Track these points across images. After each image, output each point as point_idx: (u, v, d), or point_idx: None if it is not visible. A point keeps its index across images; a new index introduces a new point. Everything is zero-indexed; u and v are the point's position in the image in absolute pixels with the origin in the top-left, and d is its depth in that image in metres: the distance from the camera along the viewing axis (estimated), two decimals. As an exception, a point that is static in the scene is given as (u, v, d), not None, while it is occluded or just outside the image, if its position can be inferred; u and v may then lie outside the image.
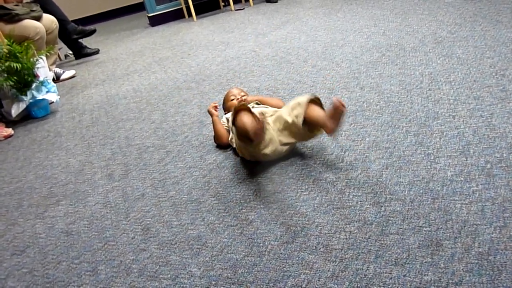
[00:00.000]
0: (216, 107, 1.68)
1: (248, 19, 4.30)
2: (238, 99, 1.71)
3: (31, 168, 1.87)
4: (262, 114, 1.50)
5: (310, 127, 1.38)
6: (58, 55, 4.03)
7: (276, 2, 4.96)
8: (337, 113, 1.24)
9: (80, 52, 4.11)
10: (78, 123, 2.30)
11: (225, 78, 2.52)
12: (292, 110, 1.38)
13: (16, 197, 1.64)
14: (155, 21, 5.17)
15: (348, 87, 2.01)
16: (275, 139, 1.41)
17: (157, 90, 2.57)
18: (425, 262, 0.92)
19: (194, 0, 5.08)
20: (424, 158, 1.31)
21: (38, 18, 3.24)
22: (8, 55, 2.34)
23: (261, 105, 1.65)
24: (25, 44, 2.50)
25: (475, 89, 1.70)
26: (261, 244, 1.09)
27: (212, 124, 1.67)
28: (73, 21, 4.24)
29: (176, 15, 5.24)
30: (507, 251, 0.91)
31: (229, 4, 5.10)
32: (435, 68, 2.00)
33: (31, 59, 2.43)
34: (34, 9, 3.26)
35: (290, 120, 1.37)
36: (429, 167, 1.26)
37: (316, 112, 1.34)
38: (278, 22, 3.81)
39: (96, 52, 4.17)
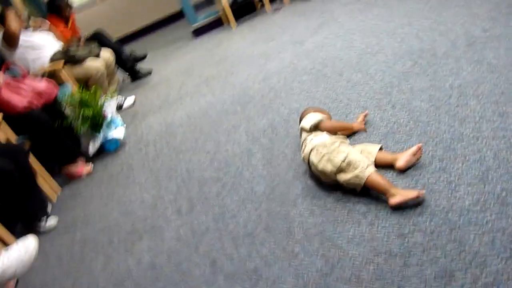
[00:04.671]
0: None
1: (285, 22, 4.45)
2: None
3: (114, 204, 2.25)
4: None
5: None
6: (118, 80, 4.47)
7: (311, -2, 5.03)
8: (415, 157, 1.58)
9: (136, 75, 4.53)
10: (145, 156, 2.67)
11: (268, 98, 2.75)
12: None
13: (107, 233, 2.02)
14: (198, 32, 5.48)
15: (380, 105, 2.16)
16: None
17: (208, 116, 2.87)
18: (439, 292, 1.13)
19: (231, 6, 5.31)
20: (446, 186, 1.47)
21: (97, 55, 3.65)
22: (80, 103, 2.74)
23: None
24: (93, 87, 2.90)
25: (501, 104, 1.79)
26: (305, 276, 1.34)
27: None
28: (121, 38, 4.70)
29: (216, 24, 5.51)
30: (509, 281, 1.09)
31: (264, 5, 5.27)
32: (465, 78, 2.09)
33: (99, 103, 2.82)
34: (93, 47, 3.67)
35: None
36: (449, 196, 1.43)
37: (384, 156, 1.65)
38: (314, 25, 3.93)
39: (149, 72, 4.56)
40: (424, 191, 1.40)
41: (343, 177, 1.57)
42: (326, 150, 1.65)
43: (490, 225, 1.26)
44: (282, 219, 1.63)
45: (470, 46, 2.37)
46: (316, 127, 1.83)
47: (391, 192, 1.44)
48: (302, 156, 1.81)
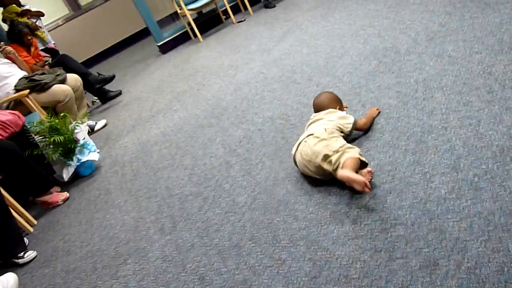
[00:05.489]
0: None
1: (251, 32, 4.50)
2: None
3: (94, 230, 2.20)
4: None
5: None
6: (87, 104, 4.40)
7: (274, 7, 5.12)
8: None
9: (105, 97, 4.46)
10: (122, 177, 2.62)
11: (240, 109, 2.76)
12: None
13: (90, 260, 1.97)
14: (165, 48, 5.46)
15: (351, 105, 2.21)
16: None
17: (183, 131, 2.86)
18: (425, 282, 1.16)
19: (196, 20, 5.33)
20: (422, 178, 1.52)
21: (63, 81, 3.59)
22: (50, 130, 2.68)
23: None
24: (62, 115, 2.84)
25: (465, 93, 1.87)
26: (295, 281, 1.35)
27: None
28: (87, 60, 4.72)
29: (183, 38, 5.51)
30: (490, 263, 1.13)
31: (230, 17, 5.32)
32: (428, 72, 2.16)
33: (70, 127, 2.76)
34: (58, 73, 3.60)
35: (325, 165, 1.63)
36: (425, 187, 1.47)
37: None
38: (279, 33, 4.00)
39: (119, 93, 4.51)
40: (368, 190, 1.46)
41: (331, 161, 1.60)
42: (325, 136, 1.69)
43: (467, 211, 1.31)
44: (266, 228, 1.64)
45: (430, 41, 2.46)
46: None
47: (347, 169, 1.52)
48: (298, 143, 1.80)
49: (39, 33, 4.63)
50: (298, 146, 1.77)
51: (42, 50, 4.55)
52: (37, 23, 4.65)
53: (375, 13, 3.28)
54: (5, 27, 4.74)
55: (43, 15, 4.88)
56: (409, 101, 2.00)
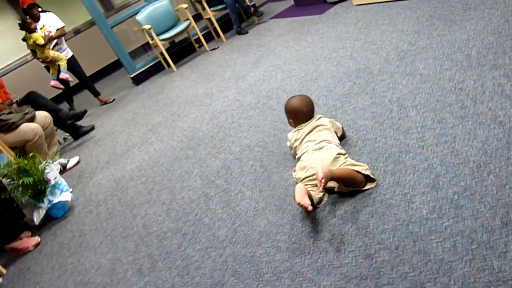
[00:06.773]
0: None
1: (225, 59, 4.51)
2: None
3: (68, 276, 2.07)
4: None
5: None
6: (58, 141, 4.26)
7: (247, 33, 5.17)
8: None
9: (77, 133, 4.34)
10: (97, 217, 2.51)
11: (217, 138, 2.72)
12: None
13: (63, 309, 1.84)
14: (138, 79, 5.40)
15: (327, 128, 2.19)
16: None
17: (159, 164, 2.78)
18: (415, 310, 1.11)
19: (169, 50, 5.32)
20: (402, 199, 1.49)
21: (32, 119, 3.47)
22: (18, 171, 2.56)
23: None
24: (31, 155, 2.73)
25: (438, 111, 1.88)
26: (281, 318, 1.28)
27: None
28: (58, 95, 4.65)
29: (157, 68, 5.47)
30: (476, 283, 1.09)
31: (203, 45, 5.33)
32: (402, 91, 2.18)
33: (39, 168, 2.65)
34: (26, 111, 3.48)
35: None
36: (407, 208, 1.44)
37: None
38: (253, 59, 4.01)
39: (92, 128, 4.40)
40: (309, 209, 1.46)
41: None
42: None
43: (449, 230, 1.28)
44: (249, 262, 1.57)
45: (401, 60, 2.50)
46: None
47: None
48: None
49: (61, 62, 4.61)
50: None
51: (55, 79, 4.64)
52: (60, 51, 4.65)
53: (346, 35, 3.34)
54: (24, 45, 4.65)
55: (64, 34, 4.84)
56: (384, 122, 2.00)
